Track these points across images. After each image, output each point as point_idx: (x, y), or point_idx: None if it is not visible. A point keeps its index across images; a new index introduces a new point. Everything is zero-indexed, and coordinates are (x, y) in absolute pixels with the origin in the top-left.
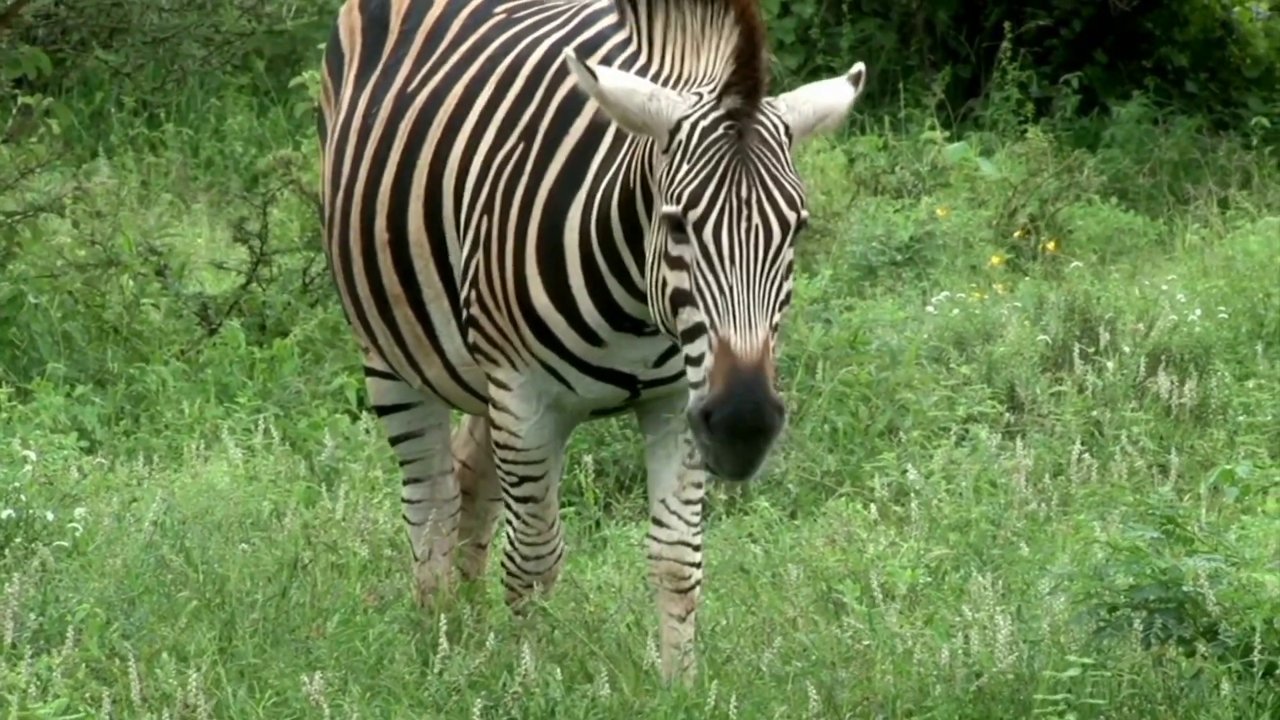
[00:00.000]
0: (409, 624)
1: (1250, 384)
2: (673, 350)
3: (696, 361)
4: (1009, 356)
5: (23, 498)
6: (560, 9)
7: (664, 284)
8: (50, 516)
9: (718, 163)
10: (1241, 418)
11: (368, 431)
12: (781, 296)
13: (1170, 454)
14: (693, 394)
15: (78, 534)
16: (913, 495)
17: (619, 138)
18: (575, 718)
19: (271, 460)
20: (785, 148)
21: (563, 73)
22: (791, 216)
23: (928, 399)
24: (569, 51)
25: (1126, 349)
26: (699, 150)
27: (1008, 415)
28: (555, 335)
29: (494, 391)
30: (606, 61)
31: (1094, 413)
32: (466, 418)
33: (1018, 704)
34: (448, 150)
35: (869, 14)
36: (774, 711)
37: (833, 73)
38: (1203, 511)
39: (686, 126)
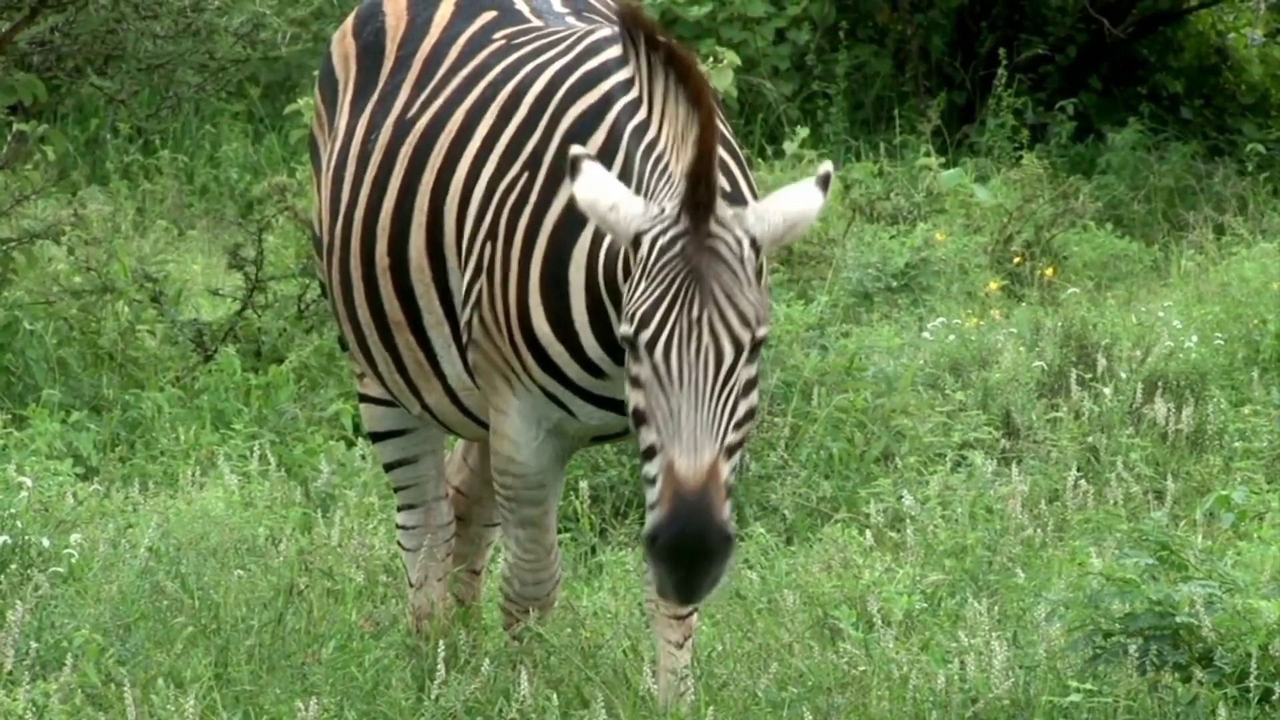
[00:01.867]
0: (405, 650)
1: (1246, 410)
2: None
3: (651, 483)
4: (1005, 383)
5: (18, 524)
6: (562, 35)
7: (627, 401)
8: (46, 543)
9: (671, 282)
10: (1237, 444)
11: (363, 457)
12: (737, 416)
13: (1166, 480)
14: (648, 516)
15: (73, 560)
16: (908, 521)
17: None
18: None
19: (267, 486)
20: (747, 263)
21: (567, 102)
22: (745, 336)
23: (923, 425)
24: (576, 148)
25: (1123, 375)
26: (655, 268)
27: (1003, 441)
28: (557, 364)
29: (494, 416)
30: (607, 101)
31: (1090, 439)
32: (460, 444)
33: None
34: (449, 176)
35: (864, 40)
36: None
37: (827, 100)
38: (1198, 537)
39: (646, 242)
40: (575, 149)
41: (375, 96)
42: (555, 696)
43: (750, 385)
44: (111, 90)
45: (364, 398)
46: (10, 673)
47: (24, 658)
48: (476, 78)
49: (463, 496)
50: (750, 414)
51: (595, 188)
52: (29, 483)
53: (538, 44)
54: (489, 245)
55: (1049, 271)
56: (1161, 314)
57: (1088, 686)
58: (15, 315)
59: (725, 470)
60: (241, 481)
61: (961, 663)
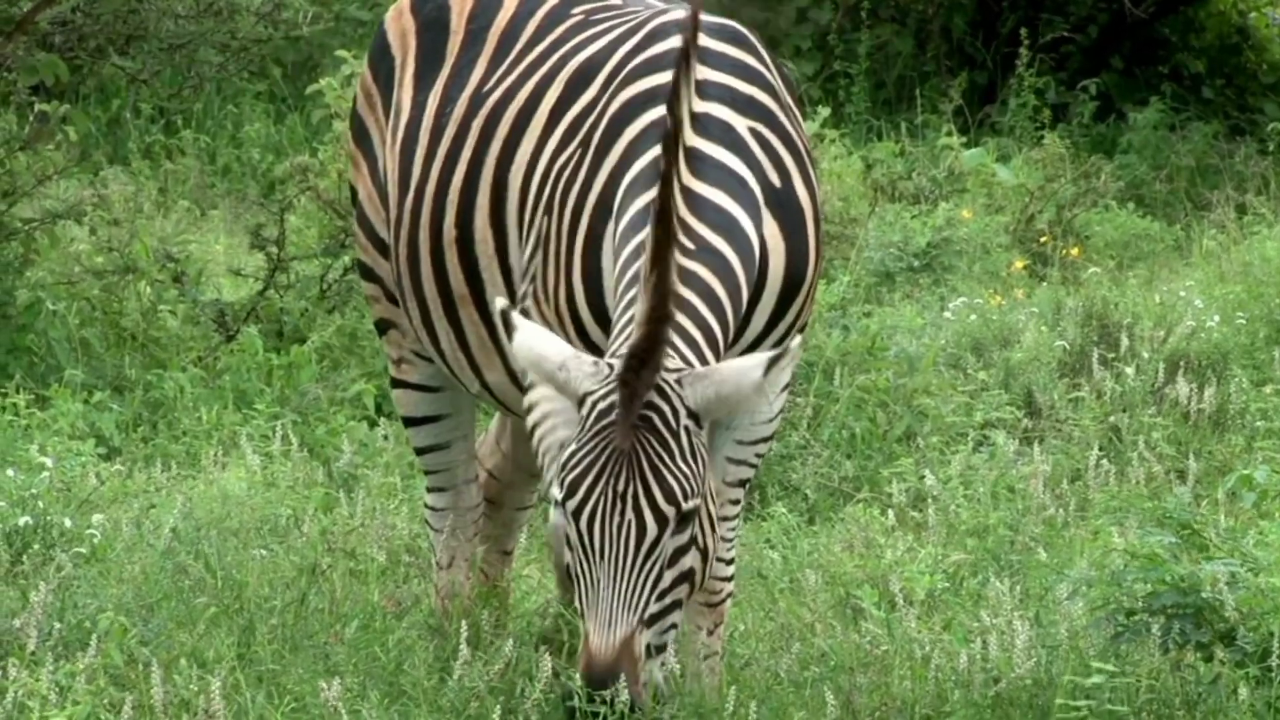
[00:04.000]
0: (428, 630)
1: (1268, 389)
2: None
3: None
4: (1027, 362)
5: (40, 504)
6: (637, 15)
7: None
8: (68, 523)
9: (601, 451)
10: (1259, 423)
11: (385, 438)
12: (661, 586)
13: (1188, 459)
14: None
15: (96, 541)
16: (930, 501)
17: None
18: None
19: (289, 467)
20: (682, 434)
21: (624, 84)
22: (670, 512)
23: (946, 405)
24: (500, 301)
25: (1144, 355)
26: (590, 433)
27: (1025, 421)
28: (598, 347)
29: None
30: (653, 95)
31: (1112, 418)
32: (493, 428)
33: (1036, 709)
34: (515, 148)
35: (886, 20)
36: (792, 716)
37: (849, 80)
38: (1220, 516)
39: (588, 404)
40: (499, 302)
41: (447, 71)
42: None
43: (679, 554)
44: (133, 70)
45: (400, 383)
46: (33, 653)
47: (47, 639)
48: (551, 51)
49: (495, 480)
50: (682, 578)
51: (536, 345)
52: (51, 463)
53: (614, 21)
54: (546, 219)
55: (1072, 251)
56: (1183, 293)
57: (1110, 666)
58: (38, 295)
59: (642, 641)
60: (264, 462)
61: (984, 642)
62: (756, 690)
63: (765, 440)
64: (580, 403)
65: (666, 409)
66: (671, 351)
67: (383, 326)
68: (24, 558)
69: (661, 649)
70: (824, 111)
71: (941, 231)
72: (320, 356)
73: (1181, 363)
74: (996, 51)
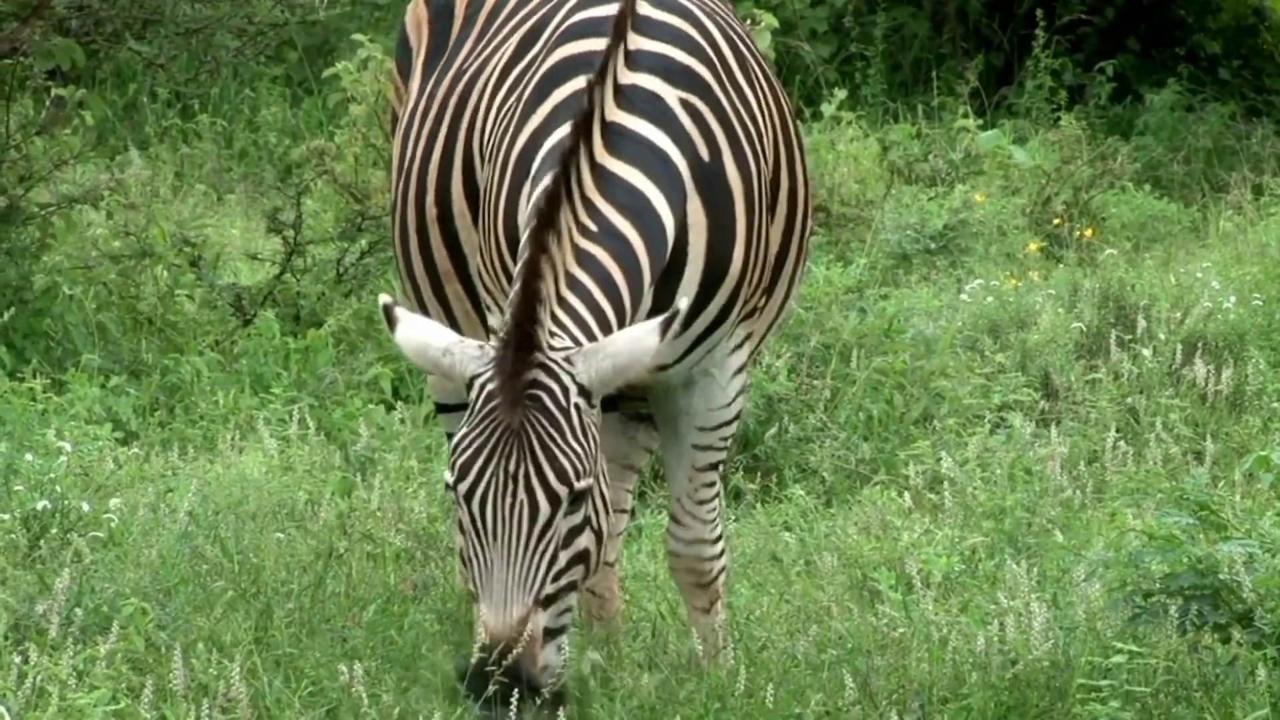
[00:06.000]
0: (445, 614)
1: None
2: None
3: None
4: (1043, 344)
5: (58, 489)
6: None
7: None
8: (85, 507)
9: (490, 432)
10: (1276, 404)
11: (402, 421)
12: (556, 567)
13: (1205, 441)
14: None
15: (113, 525)
16: (947, 483)
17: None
18: (610, 705)
19: (306, 450)
20: (572, 412)
21: (561, 41)
22: (562, 491)
23: (962, 387)
24: (384, 297)
25: (1161, 336)
26: (479, 415)
27: (1042, 403)
28: None
29: None
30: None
31: (1129, 400)
32: None
33: (1053, 691)
34: (476, 114)
35: (902, 2)
36: (810, 699)
37: (865, 62)
38: (1237, 498)
39: (476, 387)
40: (383, 298)
41: (445, 57)
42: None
43: (573, 534)
44: (150, 55)
45: None
46: (53, 639)
47: (67, 624)
48: (523, 22)
49: None
50: (577, 559)
51: (418, 335)
52: (68, 447)
53: None
54: (487, 170)
55: (1088, 233)
56: (1200, 275)
57: (1128, 647)
58: (55, 280)
59: (540, 621)
60: (281, 446)
61: (1001, 624)
62: (773, 673)
63: (729, 424)
64: (468, 387)
65: (555, 387)
66: (559, 331)
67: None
68: (42, 542)
69: (558, 633)
70: (840, 94)
71: (958, 214)
72: (337, 340)
73: (1198, 344)
74: (1013, 33)
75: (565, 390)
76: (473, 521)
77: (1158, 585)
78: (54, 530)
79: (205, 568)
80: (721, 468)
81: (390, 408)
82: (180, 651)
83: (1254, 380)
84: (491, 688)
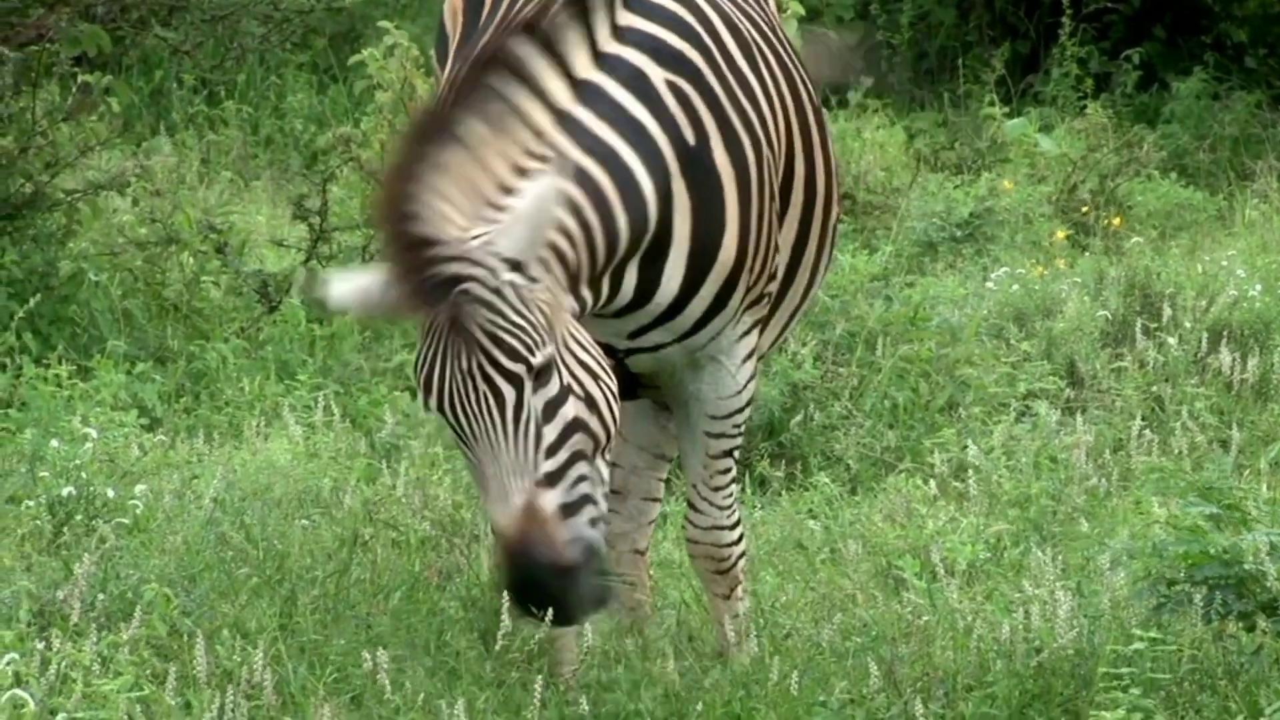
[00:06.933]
0: (470, 600)
1: None
2: (649, 327)
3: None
4: (1069, 332)
5: (83, 475)
6: None
7: None
8: (111, 494)
9: (436, 341)
10: None
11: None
12: (545, 443)
13: (1231, 429)
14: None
15: (138, 511)
16: (972, 471)
17: None
18: (636, 694)
19: (332, 437)
20: (506, 290)
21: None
22: (519, 369)
23: (988, 375)
24: (302, 272)
25: (1187, 324)
26: (424, 332)
27: (1068, 391)
28: None
29: None
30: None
31: (1154, 388)
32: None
33: (1078, 679)
34: None
35: None
36: (834, 686)
37: (891, 50)
38: (1263, 487)
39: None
40: (302, 274)
41: (471, 42)
42: (630, 644)
43: (553, 407)
44: (176, 41)
45: None
46: (77, 625)
47: (90, 610)
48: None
49: (618, 468)
50: (570, 428)
51: (346, 284)
52: (94, 434)
53: None
54: None
55: (1114, 221)
56: (1226, 263)
57: (1152, 635)
58: (81, 267)
59: (550, 498)
60: (306, 432)
61: (1026, 612)
62: (798, 660)
63: (740, 411)
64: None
65: (480, 271)
66: (487, 227)
67: None
68: (66, 528)
69: (581, 504)
70: (866, 82)
71: (984, 201)
72: (363, 327)
73: (1224, 332)
74: (1039, 21)
75: (492, 271)
76: (453, 430)
77: (1182, 574)
78: (79, 516)
79: (230, 554)
80: (737, 454)
81: (415, 394)
82: (204, 638)
83: (1279, 369)
84: (522, 581)
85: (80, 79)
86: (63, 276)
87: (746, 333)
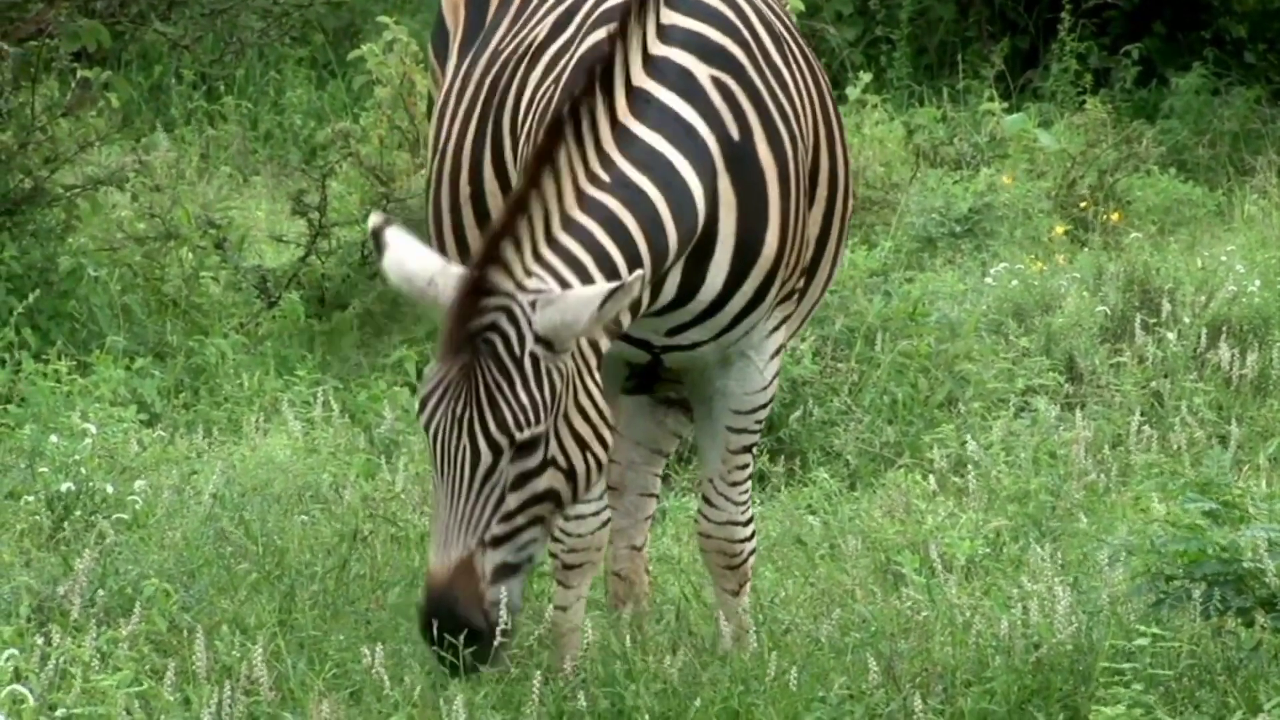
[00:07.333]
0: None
1: None
2: (688, 325)
3: None
4: (1068, 328)
5: (82, 470)
6: None
7: None
8: (110, 489)
9: (447, 371)
10: None
11: None
12: (505, 509)
13: (1230, 425)
14: None
15: (137, 507)
16: (971, 466)
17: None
18: (635, 687)
19: (331, 433)
20: (525, 361)
21: (596, 25)
22: (503, 440)
23: (987, 370)
24: (375, 218)
25: (1186, 320)
26: (445, 349)
27: (1067, 386)
28: None
29: None
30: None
31: (1153, 384)
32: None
33: (1077, 674)
34: (508, 93)
35: None
36: (833, 682)
37: (891, 45)
38: (1262, 482)
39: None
40: (374, 219)
41: (481, 37)
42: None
43: (526, 478)
44: (175, 36)
45: None
46: (76, 620)
47: (90, 605)
48: (558, 4)
49: (615, 464)
50: (536, 499)
51: (406, 262)
52: (93, 429)
53: None
54: (526, 148)
55: (1113, 216)
56: (1225, 258)
57: (1152, 630)
58: (80, 262)
59: (488, 559)
60: (305, 428)
61: (1024, 608)
62: (797, 656)
63: (764, 407)
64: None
65: (512, 333)
66: (542, 271)
67: None
68: (66, 524)
69: (517, 568)
70: (866, 77)
71: (983, 197)
72: (362, 323)
73: (1223, 328)
74: (1038, 16)
75: (521, 338)
76: (431, 454)
77: (1181, 570)
78: (78, 512)
79: (229, 550)
80: (755, 450)
81: (415, 390)
82: (204, 633)
83: (1279, 364)
84: (434, 628)
85: (79, 74)
86: (62, 272)
87: (776, 328)
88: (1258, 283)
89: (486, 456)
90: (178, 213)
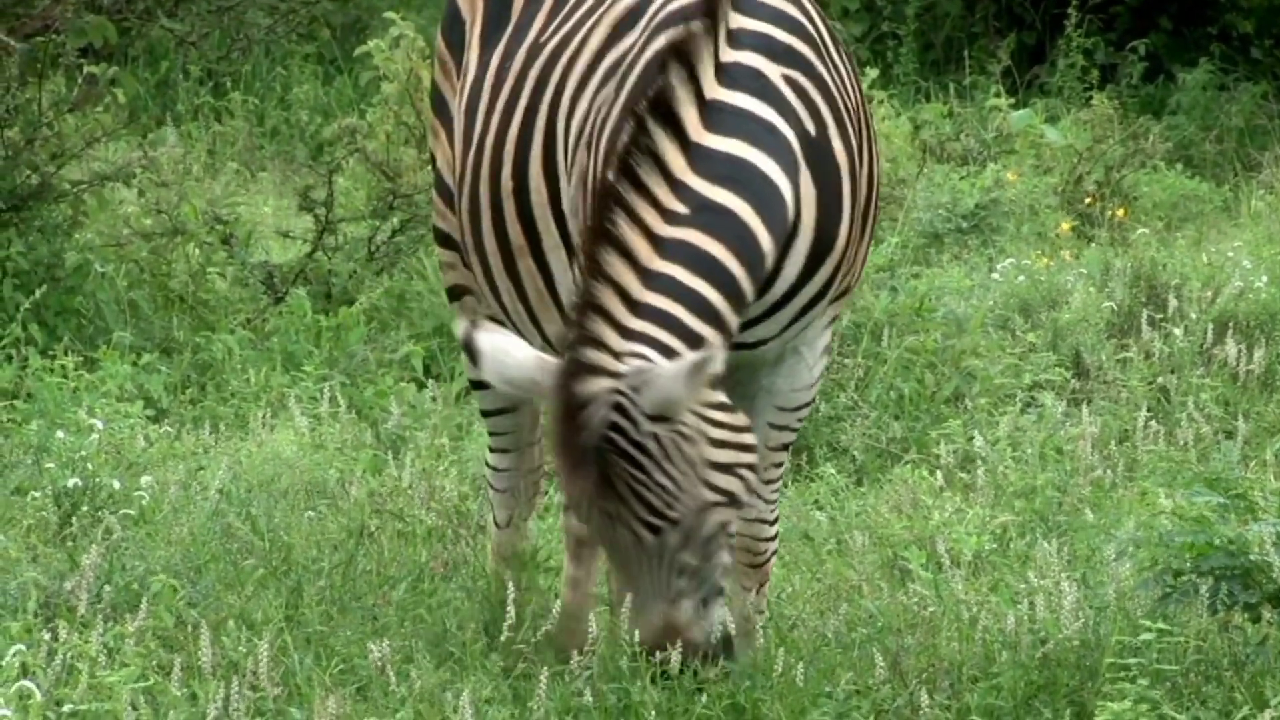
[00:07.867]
0: (475, 591)
1: None
2: (759, 319)
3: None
4: (1075, 323)
5: (89, 466)
6: None
7: None
8: (117, 485)
9: (586, 480)
10: None
11: (434, 399)
12: (682, 564)
13: (1237, 420)
14: None
15: (144, 502)
16: (978, 462)
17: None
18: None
19: (337, 428)
20: (649, 444)
21: (660, 29)
22: (660, 523)
23: (994, 366)
24: (463, 326)
25: (1193, 315)
26: (563, 453)
27: (1074, 382)
28: None
29: None
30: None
31: (1160, 379)
32: None
33: (1084, 670)
34: (562, 93)
35: None
36: (840, 677)
37: (898, 41)
38: (1269, 477)
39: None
40: (461, 328)
41: (510, 29)
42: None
43: (691, 533)
44: (182, 32)
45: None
46: (83, 616)
47: (96, 601)
48: (612, 4)
49: None
50: (707, 542)
51: (507, 367)
52: (100, 425)
53: None
54: (585, 155)
55: (1120, 212)
56: (1232, 254)
57: (1159, 625)
58: (86, 258)
59: (685, 610)
60: (312, 423)
61: (1031, 603)
62: (804, 651)
63: (806, 405)
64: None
65: (626, 425)
66: (636, 343)
67: (456, 293)
68: (72, 519)
69: (716, 594)
70: (872, 73)
71: (989, 193)
72: (369, 318)
73: (1230, 323)
74: (1045, 12)
75: (636, 424)
76: (594, 538)
77: (1188, 565)
78: (85, 508)
79: (236, 545)
80: (790, 449)
81: (421, 386)
82: (210, 629)
83: None
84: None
85: (86, 70)
86: (69, 268)
87: (828, 325)
88: (1264, 278)
89: (649, 538)
90: (184, 208)
